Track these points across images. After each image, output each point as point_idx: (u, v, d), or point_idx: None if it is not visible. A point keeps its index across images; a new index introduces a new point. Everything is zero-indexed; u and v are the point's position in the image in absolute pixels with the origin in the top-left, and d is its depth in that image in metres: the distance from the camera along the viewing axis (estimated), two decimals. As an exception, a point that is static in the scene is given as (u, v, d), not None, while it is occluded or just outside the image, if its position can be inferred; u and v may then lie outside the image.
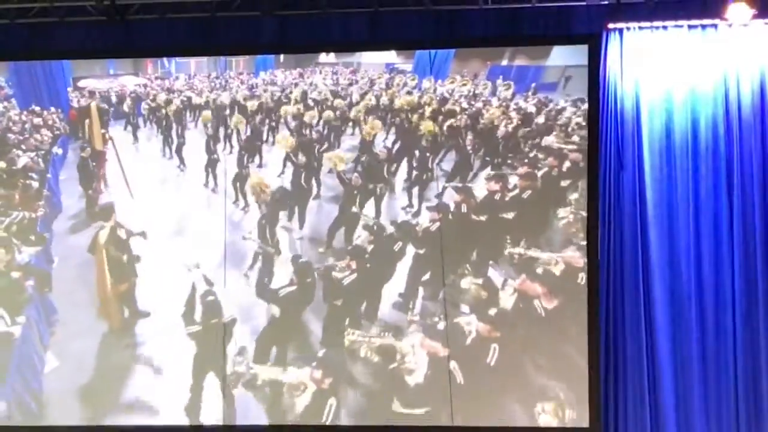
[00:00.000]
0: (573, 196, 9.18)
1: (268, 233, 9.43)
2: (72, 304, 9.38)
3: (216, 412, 9.17)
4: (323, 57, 9.95)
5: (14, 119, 9.87)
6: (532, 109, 9.49)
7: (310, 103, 9.86)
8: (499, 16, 9.33)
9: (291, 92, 9.88)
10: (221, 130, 9.80)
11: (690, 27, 9.07)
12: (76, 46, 9.80)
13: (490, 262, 9.10)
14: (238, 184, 9.66)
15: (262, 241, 9.40)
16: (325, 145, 9.70)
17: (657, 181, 9.13)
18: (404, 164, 9.61)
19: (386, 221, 9.41)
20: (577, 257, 9.04)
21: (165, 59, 10.03)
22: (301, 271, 9.25)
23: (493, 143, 9.44)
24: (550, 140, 9.34)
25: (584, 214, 9.09)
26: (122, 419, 9.21)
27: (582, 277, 9.02)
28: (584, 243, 9.04)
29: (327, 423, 8.80)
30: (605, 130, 9.17)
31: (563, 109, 9.38)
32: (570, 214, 9.16)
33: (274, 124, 9.84)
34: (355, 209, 9.44)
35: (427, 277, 9.19)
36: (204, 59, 10.03)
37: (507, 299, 9.00)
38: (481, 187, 9.32)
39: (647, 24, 9.09)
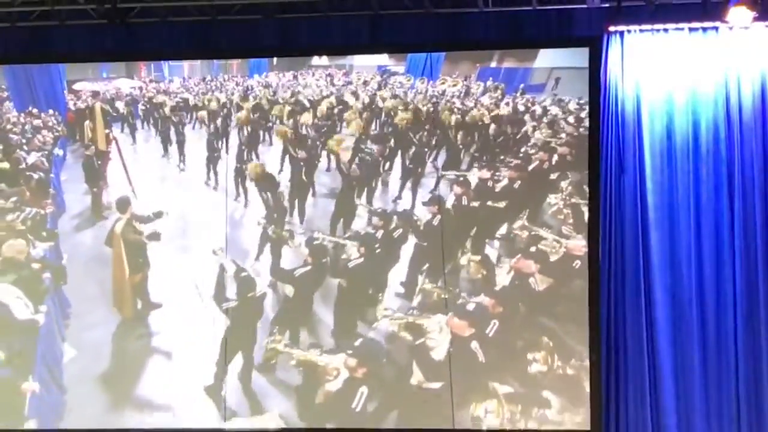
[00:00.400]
0: (563, 184, 9.28)
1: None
2: (84, 298, 9.50)
3: (238, 394, 9.25)
4: (316, 60, 10.02)
5: (13, 121, 9.91)
6: (521, 108, 9.57)
7: (306, 103, 9.94)
8: (499, 19, 9.34)
9: (285, 94, 9.96)
10: (219, 130, 9.89)
11: (691, 30, 9.08)
12: (78, 49, 9.82)
13: (487, 240, 9.26)
14: (239, 180, 9.75)
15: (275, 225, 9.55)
16: (322, 140, 9.82)
17: (658, 183, 9.12)
18: (398, 160, 9.72)
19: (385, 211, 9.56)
20: (578, 244, 9.16)
21: (159, 62, 10.10)
22: (315, 251, 9.38)
23: (484, 141, 9.56)
24: (538, 136, 9.43)
25: (575, 200, 9.17)
26: (143, 404, 9.30)
27: (577, 263, 9.10)
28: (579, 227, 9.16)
29: (357, 409, 8.84)
30: (606, 132, 9.17)
31: (550, 108, 9.48)
32: (560, 200, 9.26)
33: (270, 124, 9.92)
34: (356, 201, 9.59)
35: (427, 265, 9.33)
36: (197, 63, 10.11)
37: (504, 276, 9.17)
38: (473, 176, 9.46)
39: (648, 27, 9.10)
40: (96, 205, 9.76)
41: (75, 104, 9.96)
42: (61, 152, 9.89)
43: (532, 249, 9.25)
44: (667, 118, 9.15)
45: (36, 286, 9.31)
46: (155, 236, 9.55)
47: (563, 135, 9.40)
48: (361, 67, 10.00)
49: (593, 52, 9.18)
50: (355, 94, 9.89)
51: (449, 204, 9.46)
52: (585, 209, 9.19)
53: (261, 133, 9.93)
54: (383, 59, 9.90)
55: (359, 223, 9.56)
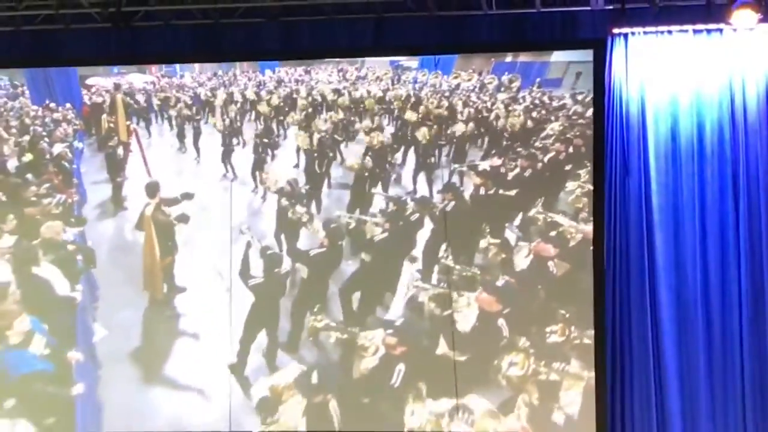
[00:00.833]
0: (581, 171, 9.35)
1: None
2: (111, 282, 9.67)
3: (262, 367, 9.37)
4: (328, 54, 10.13)
5: (32, 115, 10.09)
6: (536, 101, 9.64)
7: (317, 104, 10.03)
8: (503, 22, 9.33)
9: (297, 90, 10.06)
10: (233, 124, 10.04)
11: (695, 32, 9.06)
12: (82, 53, 9.82)
13: (506, 224, 9.38)
14: (257, 173, 9.88)
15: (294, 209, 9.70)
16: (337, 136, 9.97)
17: (663, 185, 9.12)
18: (411, 154, 9.80)
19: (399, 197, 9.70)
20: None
21: (169, 58, 10.21)
22: (332, 234, 9.48)
23: (500, 133, 9.64)
24: (555, 128, 9.50)
25: (590, 187, 9.23)
26: (171, 381, 9.46)
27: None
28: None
29: (396, 385, 8.98)
30: (611, 134, 9.16)
31: (567, 101, 9.54)
32: (578, 188, 9.33)
33: (282, 118, 10.06)
34: (372, 190, 9.72)
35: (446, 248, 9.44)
36: (206, 61, 10.20)
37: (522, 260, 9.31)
38: (490, 166, 9.57)
39: (652, 29, 9.08)
40: (117, 196, 9.96)
41: (90, 99, 10.11)
42: (80, 145, 10.09)
43: (552, 233, 9.32)
44: (671, 120, 9.14)
45: (71, 266, 9.55)
46: (184, 218, 9.73)
47: (579, 127, 9.43)
48: (373, 62, 10.07)
49: (597, 55, 9.17)
50: (368, 90, 10.00)
51: (467, 194, 9.54)
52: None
53: (275, 127, 10.06)
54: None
55: (377, 208, 9.70)
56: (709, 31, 9.05)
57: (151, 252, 9.67)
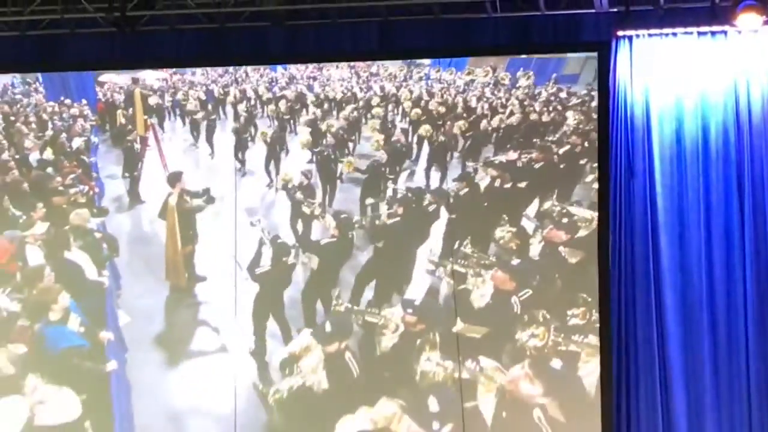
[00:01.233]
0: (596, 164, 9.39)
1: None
2: (132, 272, 9.87)
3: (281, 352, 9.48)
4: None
5: (49, 111, 10.25)
6: (552, 97, 9.71)
7: (326, 105, 10.15)
8: (508, 25, 9.36)
9: (311, 86, 10.20)
10: (246, 120, 10.16)
11: (699, 34, 9.06)
12: (87, 57, 9.86)
13: (523, 213, 9.47)
14: (270, 168, 10.00)
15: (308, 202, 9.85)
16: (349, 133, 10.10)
17: (668, 187, 9.12)
18: (424, 149, 9.90)
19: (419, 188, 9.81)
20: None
21: (179, 54, 10.28)
22: (343, 224, 9.60)
23: (514, 129, 9.70)
24: (571, 122, 9.57)
25: None
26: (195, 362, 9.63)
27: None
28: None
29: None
30: (615, 137, 9.17)
31: (585, 97, 9.59)
32: (594, 180, 9.38)
33: (294, 115, 10.19)
34: (385, 184, 9.84)
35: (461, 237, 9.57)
36: (216, 60, 10.30)
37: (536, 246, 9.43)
38: (505, 159, 9.67)
39: (657, 31, 9.08)
40: (134, 189, 10.12)
41: (104, 95, 10.24)
42: (96, 139, 10.25)
43: (564, 221, 9.40)
44: (676, 122, 9.14)
45: (98, 252, 9.79)
46: (210, 200, 9.90)
47: (595, 122, 9.47)
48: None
49: (602, 57, 9.21)
50: (382, 88, 10.10)
51: (483, 185, 9.61)
52: None
53: (288, 123, 10.17)
54: (407, 51, 10.09)
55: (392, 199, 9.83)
56: (713, 33, 9.05)
57: (173, 241, 9.84)
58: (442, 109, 9.90)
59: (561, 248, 9.34)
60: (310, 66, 10.15)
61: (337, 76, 10.10)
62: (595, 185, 9.33)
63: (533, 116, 9.74)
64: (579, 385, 9.03)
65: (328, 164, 9.96)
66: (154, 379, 9.59)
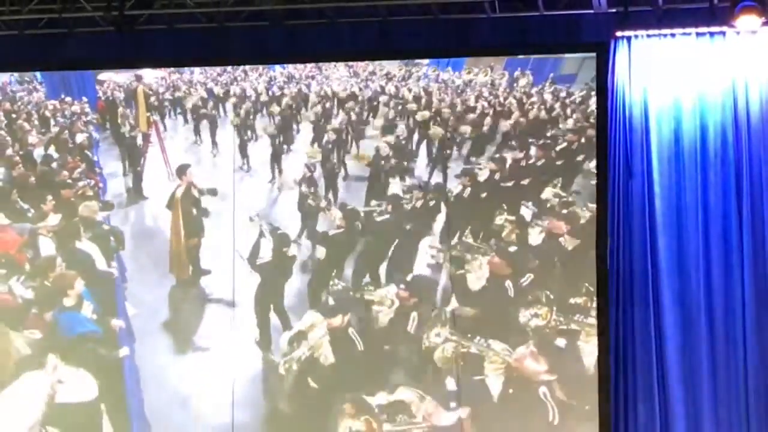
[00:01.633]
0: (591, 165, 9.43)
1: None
2: (137, 268, 9.95)
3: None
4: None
5: (51, 108, 10.29)
6: (549, 97, 9.71)
7: (327, 103, 10.16)
8: (507, 25, 9.34)
9: (309, 84, 10.21)
10: (248, 118, 10.20)
11: (698, 35, 9.05)
12: (85, 56, 9.86)
13: (522, 202, 9.52)
14: (274, 165, 10.04)
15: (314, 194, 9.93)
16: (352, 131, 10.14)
17: (666, 188, 9.12)
18: (423, 148, 9.93)
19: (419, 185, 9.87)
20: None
21: (178, 54, 10.34)
22: (349, 215, 9.69)
23: (513, 128, 9.73)
24: (569, 122, 9.59)
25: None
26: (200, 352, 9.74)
27: None
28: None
29: (413, 332, 9.34)
30: (614, 138, 9.17)
31: (582, 96, 9.57)
32: (590, 174, 9.41)
33: (295, 113, 10.21)
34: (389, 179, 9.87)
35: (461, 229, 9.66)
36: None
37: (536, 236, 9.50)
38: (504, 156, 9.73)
39: (655, 32, 9.07)
40: (137, 186, 10.15)
41: (104, 93, 10.26)
42: (97, 136, 10.30)
43: (563, 212, 9.43)
44: (674, 123, 9.14)
45: (107, 244, 9.89)
46: (213, 192, 9.97)
47: (592, 119, 9.46)
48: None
49: (600, 58, 9.19)
50: (381, 87, 10.13)
51: (482, 178, 9.66)
52: None
53: (290, 121, 10.20)
54: (405, 51, 10.15)
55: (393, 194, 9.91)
56: (712, 34, 9.03)
57: (178, 233, 9.92)
58: (442, 108, 9.91)
59: (561, 239, 9.40)
60: (309, 65, 10.16)
61: (336, 76, 10.11)
62: (593, 180, 9.34)
63: (531, 115, 9.74)
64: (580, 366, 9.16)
65: (331, 161, 9.99)
66: (161, 368, 9.69)
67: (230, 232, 9.84)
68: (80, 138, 10.21)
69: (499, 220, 9.51)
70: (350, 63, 10.07)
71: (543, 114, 9.71)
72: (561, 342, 9.12)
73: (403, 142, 9.92)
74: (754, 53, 9.02)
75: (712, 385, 8.94)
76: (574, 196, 9.42)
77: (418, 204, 9.70)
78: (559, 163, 9.56)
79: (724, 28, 8.95)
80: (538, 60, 9.73)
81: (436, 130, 9.82)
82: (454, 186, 9.68)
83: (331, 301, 9.47)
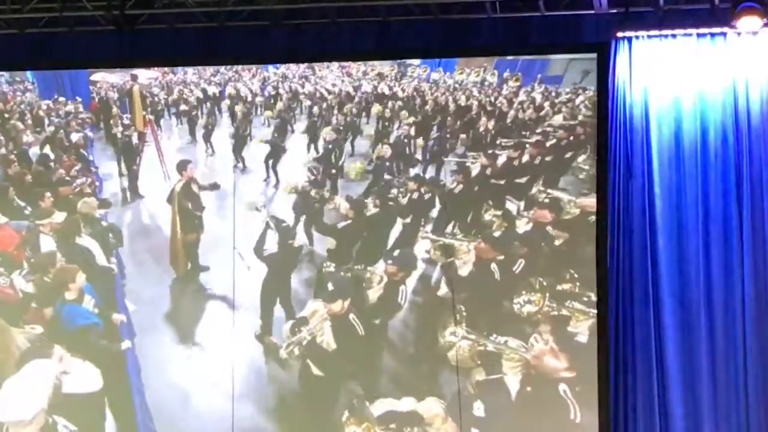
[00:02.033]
0: (582, 157, 9.52)
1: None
2: (135, 264, 10.00)
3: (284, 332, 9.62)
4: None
5: (45, 108, 10.31)
6: (538, 96, 9.79)
7: (323, 104, 10.22)
8: (507, 25, 9.37)
9: (303, 84, 10.26)
10: (243, 118, 10.24)
11: (699, 36, 9.08)
12: (85, 55, 9.87)
13: (507, 197, 9.69)
14: (269, 163, 10.07)
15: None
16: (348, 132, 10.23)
17: (666, 188, 9.14)
18: (421, 143, 10.01)
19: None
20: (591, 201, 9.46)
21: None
22: (355, 205, 9.77)
23: (504, 125, 9.82)
24: (557, 119, 9.69)
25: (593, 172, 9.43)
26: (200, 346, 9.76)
27: (591, 218, 9.35)
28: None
29: (402, 303, 9.48)
30: (614, 138, 9.19)
31: (569, 96, 9.70)
32: (579, 169, 9.56)
33: (291, 114, 10.27)
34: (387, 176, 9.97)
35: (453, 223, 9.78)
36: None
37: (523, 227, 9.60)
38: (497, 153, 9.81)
39: (656, 33, 9.10)
40: (133, 185, 10.17)
41: (98, 93, 10.28)
42: (92, 135, 10.31)
43: (545, 200, 9.55)
44: (675, 123, 9.16)
45: (106, 240, 9.93)
46: (215, 186, 10.03)
47: (581, 117, 9.59)
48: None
49: (601, 58, 9.21)
50: (374, 87, 10.19)
51: (474, 173, 9.75)
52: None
53: (286, 122, 10.25)
54: (398, 51, 10.20)
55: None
56: (713, 35, 9.07)
57: (176, 228, 9.97)
58: (436, 108, 10.02)
59: (548, 228, 9.48)
60: (302, 66, 10.21)
61: (329, 76, 10.18)
62: (581, 174, 9.43)
63: (521, 114, 9.84)
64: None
65: (330, 161, 10.05)
66: (163, 360, 9.72)
67: (229, 228, 9.86)
68: (75, 137, 10.24)
69: (487, 215, 9.64)
70: (343, 63, 10.12)
71: (532, 112, 9.81)
72: (582, 337, 9.16)
73: (399, 142, 10.01)
74: (755, 54, 9.05)
75: (711, 384, 8.94)
76: (562, 191, 9.53)
77: (414, 196, 9.79)
78: (548, 159, 9.65)
79: (725, 29, 8.99)
80: (527, 62, 9.81)
81: (427, 128, 9.95)
82: (448, 181, 9.78)
83: (330, 286, 9.52)
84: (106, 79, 10.29)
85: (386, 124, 10.09)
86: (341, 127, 10.13)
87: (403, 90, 10.11)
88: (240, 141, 10.16)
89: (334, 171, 9.97)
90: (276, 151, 10.13)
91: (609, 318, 9.05)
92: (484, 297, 9.41)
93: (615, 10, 9.13)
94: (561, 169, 9.59)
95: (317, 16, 9.51)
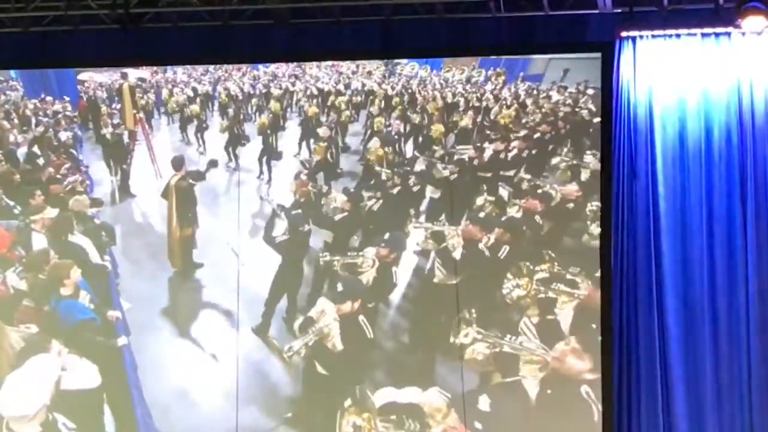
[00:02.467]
0: (564, 149, 9.69)
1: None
2: (129, 262, 10.02)
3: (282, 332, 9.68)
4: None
5: (31, 107, 10.31)
6: (522, 93, 9.91)
7: (313, 101, 10.34)
8: (512, 24, 9.36)
9: (294, 83, 10.36)
10: (235, 117, 10.32)
11: (703, 35, 9.06)
12: (90, 54, 9.88)
13: (500, 183, 9.79)
14: (263, 160, 10.13)
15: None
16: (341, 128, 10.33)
17: (670, 189, 9.11)
18: (411, 139, 10.16)
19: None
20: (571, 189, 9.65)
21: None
22: (352, 197, 9.86)
23: (491, 122, 9.97)
24: (538, 115, 9.88)
25: (575, 162, 9.55)
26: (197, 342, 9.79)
27: (571, 205, 9.55)
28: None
29: (396, 283, 9.63)
30: (618, 138, 9.17)
31: (551, 93, 9.85)
32: (561, 161, 9.71)
33: (281, 111, 10.34)
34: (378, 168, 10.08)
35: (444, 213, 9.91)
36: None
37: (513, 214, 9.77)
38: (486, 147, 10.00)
39: (660, 32, 9.08)
40: (124, 183, 10.19)
41: (86, 93, 10.29)
42: (81, 135, 10.33)
43: (538, 191, 9.67)
44: (679, 123, 9.13)
45: (98, 238, 9.94)
46: (200, 176, 10.06)
47: (562, 113, 9.75)
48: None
49: (605, 58, 9.20)
50: (363, 84, 10.31)
51: (464, 165, 9.87)
52: (582, 170, 9.55)
53: (277, 120, 10.32)
54: (385, 50, 10.30)
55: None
56: (717, 34, 9.04)
57: (172, 223, 9.99)
58: (424, 104, 10.16)
59: (536, 216, 9.63)
60: (291, 65, 10.31)
61: (319, 74, 10.30)
62: (562, 164, 9.59)
63: (505, 109, 9.96)
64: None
65: (323, 157, 10.15)
66: (158, 358, 9.74)
67: (223, 225, 9.92)
68: (64, 136, 10.26)
69: (479, 200, 9.74)
70: (334, 63, 10.23)
71: (516, 108, 9.95)
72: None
73: (390, 137, 10.13)
74: (759, 54, 9.02)
75: (715, 385, 8.92)
76: (544, 180, 9.68)
77: (404, 188, 9.92)
78: (534, 151, 9.76)
79: (730, 29, 8.96)
80: (510, 60, 9.92)
81: (416, 124, 10.09)
82: (438, 172, 9.86)
83: (340, 287, 9.53)
84: (94, 79, 10.32)
85: (375, 120, 10.20)
86: (333, 124, 10.23)
87: (393, 88, 10.21)
88: (232, 139, 10.22)
89: (327, 166, 10.05)
90: (268, 149, 10.18)
91: (612, 318, 9.03)
92: (478, 280, 9.48)
93: (619, 10, 9.11)
94: (545, 159, 9.74)
95: (321, 16, 9.50)
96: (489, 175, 9.80)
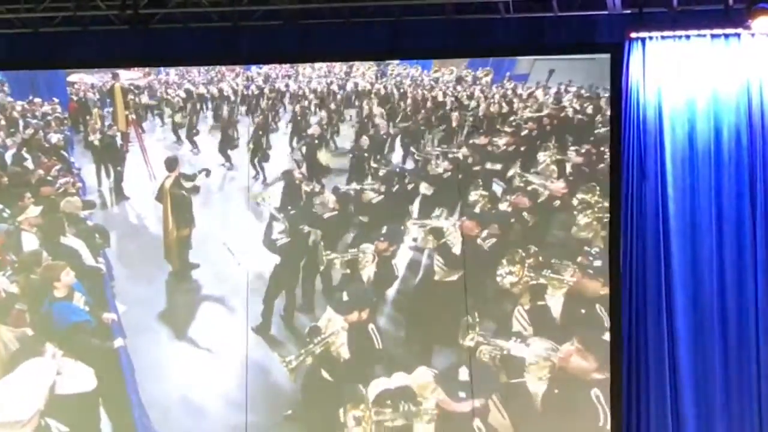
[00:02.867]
0: (550, 144, 9.85)
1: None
2: (124, 265, 10.00)
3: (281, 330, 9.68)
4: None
5: (18, 109, 10.30)
6: (509, 92, 10.05)
7: (305, 101, 10.37)
8: (521, 25, 9.38)
9: (287, 84, 10.40)
10: (229, 117, 10.37)
11: (713, 36, 9.07)
12: (99, 54, 9.88)
13: (494, 179, 9.92)
14: (257, 159, 10.14)
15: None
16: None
17: (679, 190, 9.10)
18: (401, 137, 10.25)
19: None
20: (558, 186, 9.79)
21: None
22: (341, 198, 9.91)
23: (479, 119, 10.07)
24: (527, 113, 9.98)
25: (559, 157, 9.71)
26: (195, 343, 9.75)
27: (557, 202, 9.68)
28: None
29: (398, 275, 9.74)
30: (628, 139, 9.17)
31: (536, 92, 10.00)
32: (547, 157, 9.85)
33: (275, 112, 10.38)
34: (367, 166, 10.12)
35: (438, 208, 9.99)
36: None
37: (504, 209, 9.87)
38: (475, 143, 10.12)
39: (670, 33, 9.09)
40: (118, 185, 10.18)
41: (76, 95, 10.30)
42: (72, 137, 10.32)
43: (528, 188, 9.76)
44: (688, 124, 9.13)
45: (92, 240, 9.91)
46: (195, 190, 10.06)
47: (546, 110, 9.88)
48: (356, 58, 10.44)
49: (615, 59, 9.21)
50: (355, 84, 10.39)
51: (456, 162, 9.95)
52: (568, 165, 9.68)
53: (270, 120, 10.35)
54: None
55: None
56: (727, 36, 9.05)
57: (167, 224, 9.97)
58: (414, 103, 10.28)
59: (525, 213, 9.70)
60: (285, 66, 10.35)
61: (312, 74, 10.35)
62: (548, 160, 9.71)
63: (493, 108, 10.07)
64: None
65: (314, 156, 10.21)
66: (155, 360, 9.71)
67: (218, 226, 9.94)
68: (55, 138, 10.24)
69: (473, 195, 9.80)
70: (327, 64, 10.31)
71: (504, 107, 10.04)
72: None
73: (381, 136, 10.20)
74: (769, 55, 9.01)
75: (724, 387, 8.88)
76: (534, 175, 9.73)
77: (398, 187, 9.99)
78: (522, 148, 9.85)
79: (739, 30, 8.97)
80: (497, 60, 10.04)
81: (407, 122, 10.19)
82: (430, 169, 9.96)
83: (345, 297, 9.51)
84: (84, 80, 10.33)
85: (367, 119, 10.27)
86: (324, 124, 10.28)
87: (385, 87, 10.30)
88: (226, 140, 10.26)
89: (318, 166, 10.10)
90: (261, 149, 10.19)
91: (622, 319, 9.02)
92: (477, 273, 9.53)
93: (629, 11, 9.14)
94: (533, 155, 9.84)
95: (330, 16, 9.51)
96: (477, 168, 9.90)
